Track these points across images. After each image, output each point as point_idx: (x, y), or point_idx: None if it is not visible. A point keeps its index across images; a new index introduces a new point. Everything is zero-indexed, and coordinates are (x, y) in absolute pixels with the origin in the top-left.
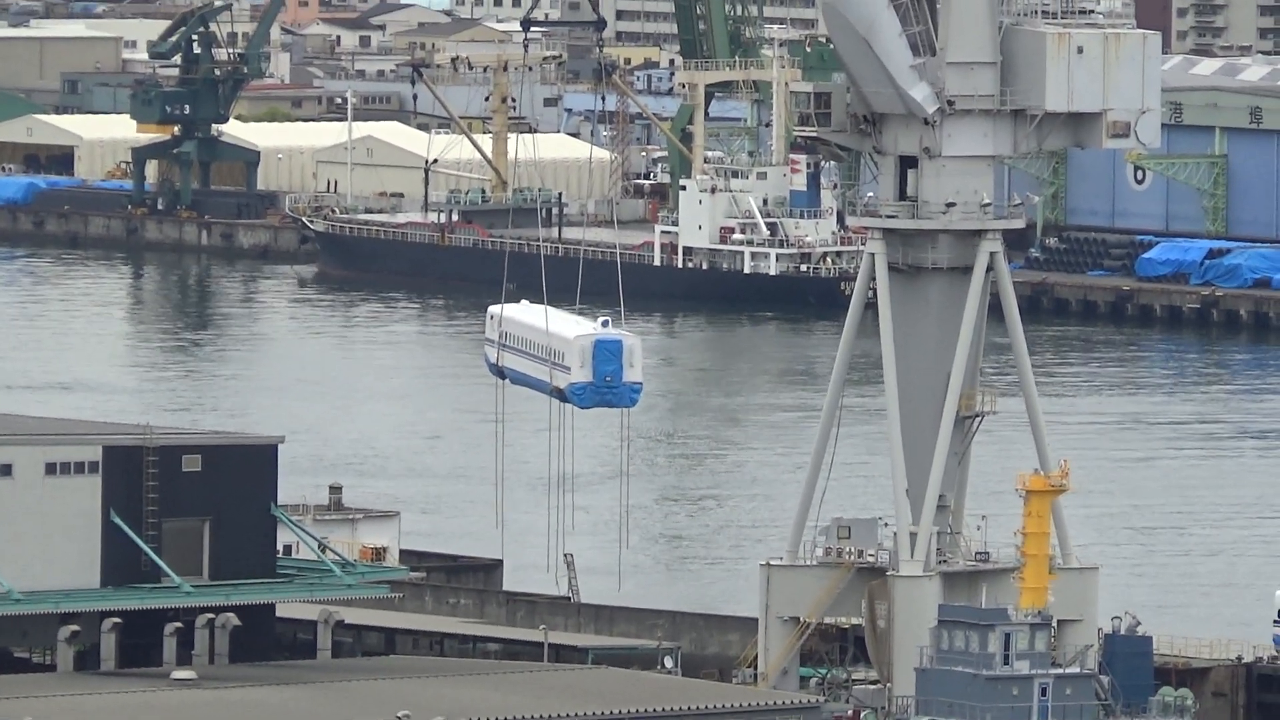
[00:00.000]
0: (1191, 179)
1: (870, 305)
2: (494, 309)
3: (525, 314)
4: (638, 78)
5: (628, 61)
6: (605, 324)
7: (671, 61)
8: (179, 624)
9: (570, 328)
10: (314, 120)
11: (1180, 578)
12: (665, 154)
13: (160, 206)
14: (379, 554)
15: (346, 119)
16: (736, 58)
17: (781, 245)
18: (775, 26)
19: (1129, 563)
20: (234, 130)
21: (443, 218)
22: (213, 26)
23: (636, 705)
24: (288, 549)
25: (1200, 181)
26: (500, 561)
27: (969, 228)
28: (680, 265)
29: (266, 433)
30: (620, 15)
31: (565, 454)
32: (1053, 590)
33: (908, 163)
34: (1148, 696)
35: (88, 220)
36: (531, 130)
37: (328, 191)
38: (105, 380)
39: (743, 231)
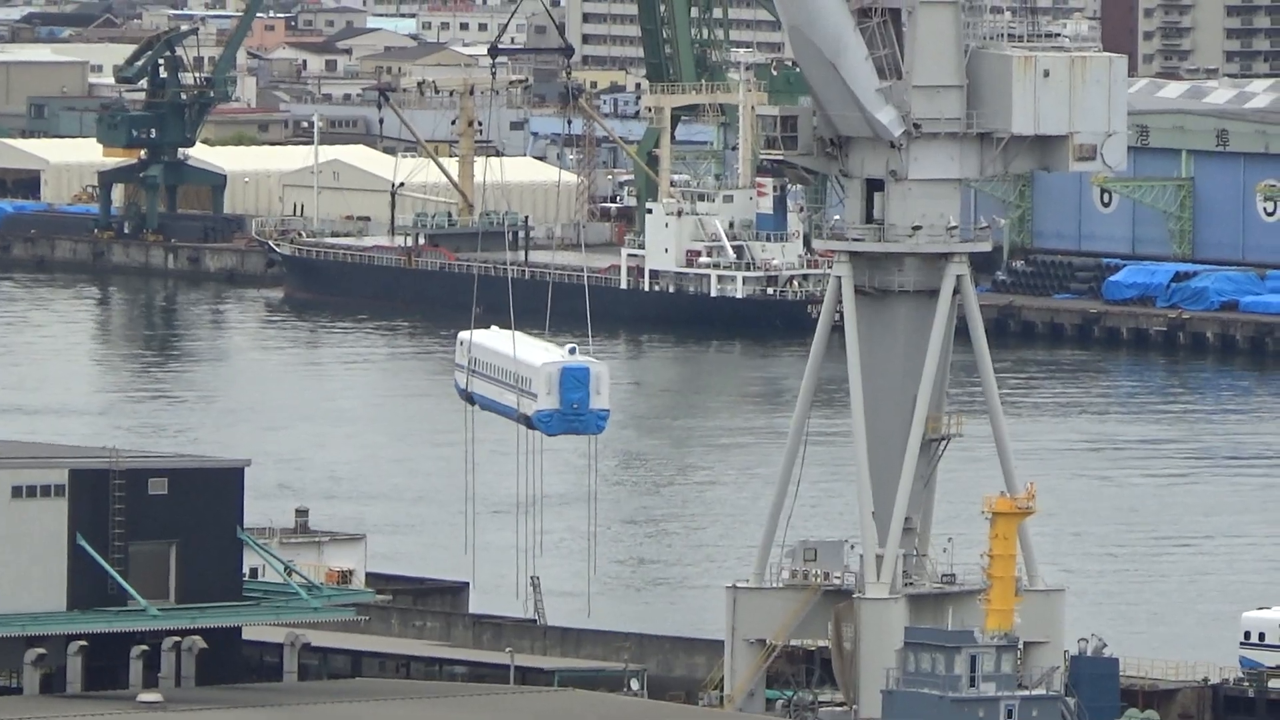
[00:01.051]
0: (1158, 202)
1: (837, 328)
2: (464, 334)
3: (494, 340)
4: (604, 101)
5: (594, 85)
6: (572, 351)
7: (638, 85)
8: (145, 647)
9: (538, 355)
10: (280, 144)
11: (1147, 599)
12: (631, 177)
13: (127, 230)
14: (345, 577)
15: (313, 143)
16: (703, 81)
17: (748, 268)
18: (741, 50)
19: (1095, 585)
20: (200, 154)
21: (409, 241)
22: (179, 50)
23: None
24: (254, 572)
25: (1166, 204)
26: (466, 584)
27: (935, 251)
28: (647, 288)
29: (233, 456)
30: (586, 39)
31: (533, 477)
32: (1019, 612)
33: (874, 186)
34: (1114, 718)
35: (54, 244)
36: (498, 154)
37: (294, 215)
38: (71, 403)
39: (709, 254)
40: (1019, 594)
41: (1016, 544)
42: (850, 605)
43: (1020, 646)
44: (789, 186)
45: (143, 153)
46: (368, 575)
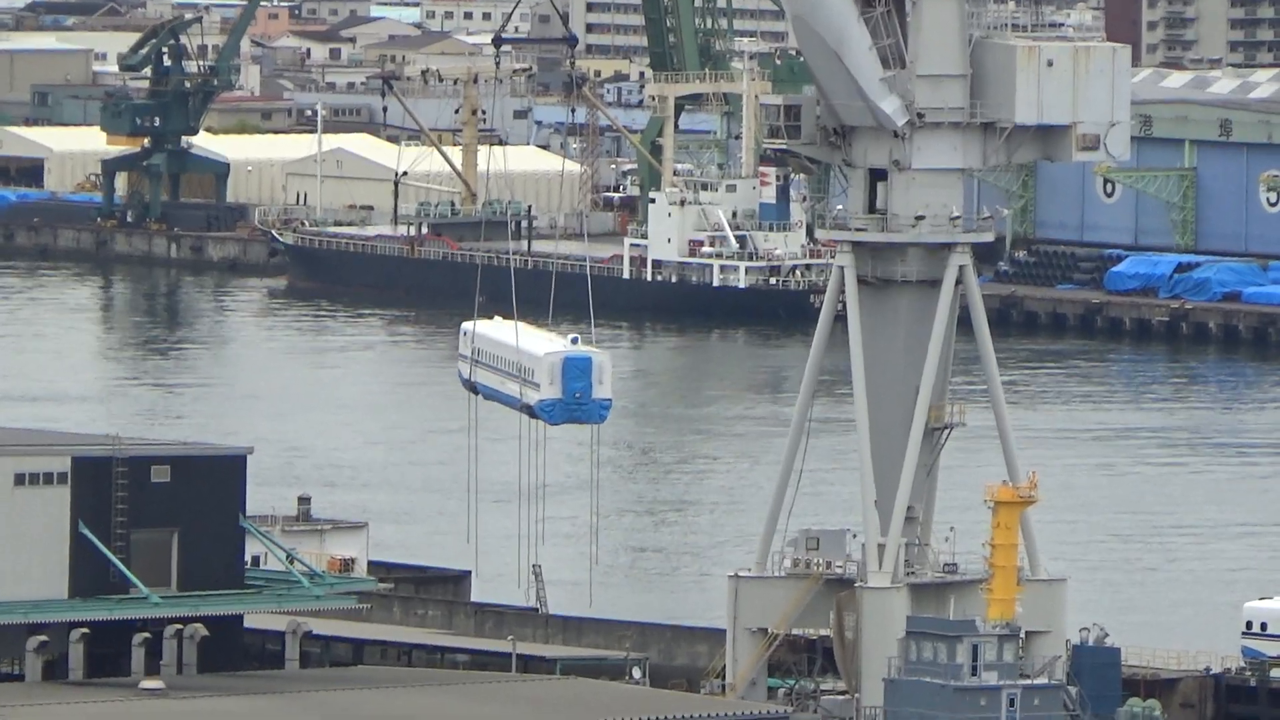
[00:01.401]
0: (1161, 192)
1: (840, 318)
2: (467, 325)
3: (497, 330)
4: (607, 90)
5: (597, 74)
6: (575, 341)
7: (641, 74)
8: (147, 634)
9: (540, 345)
10: (284, 133)
11: (1149, 589)
12: (635, 167)
13: (130, 219)
14: (347, 565)
15: (316, 131)
16: (706, 70)
17: (751, 258)
18: (745, 39)
19: (1097, 574)
20: (204, 142)
21: (412, 230)
22: (183, 39)
23: (604, 716)
24: (256, 560)
25: (1169, 195)
26: (468, 573)
27: (938, 241)
28: (650, 278)
29: (235, 444)
30: (590, 28)
31: (535, 466)
32: (1021, 602)
33: (877, 175)
34: (1116, 708)
35: (57, 233)
36: (501, 143)
37: (297, 204)
38: (74, 391)
39: (712, 244)
40: (1021, 583)
41: (1018, 533)
42: (852, 594)
43: (1022, 636)
44: (792, 176)
45: (146, 141)
46: (370, 563)
